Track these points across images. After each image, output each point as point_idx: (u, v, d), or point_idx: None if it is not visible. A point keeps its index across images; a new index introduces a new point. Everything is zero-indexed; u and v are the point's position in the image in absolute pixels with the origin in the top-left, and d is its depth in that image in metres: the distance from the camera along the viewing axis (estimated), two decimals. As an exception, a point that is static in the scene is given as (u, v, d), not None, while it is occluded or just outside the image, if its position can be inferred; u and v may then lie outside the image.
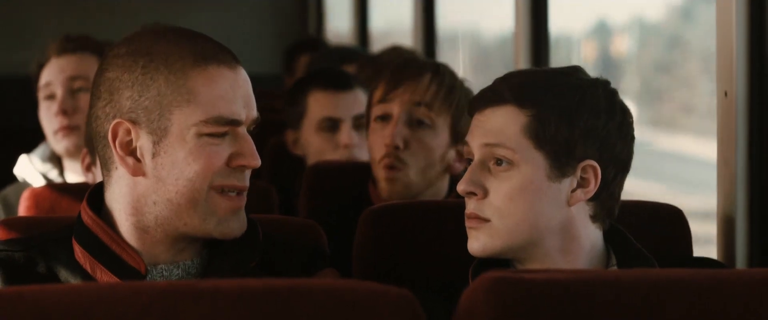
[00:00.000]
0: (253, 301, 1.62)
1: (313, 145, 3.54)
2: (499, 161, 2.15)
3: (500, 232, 2.14)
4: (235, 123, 2.06)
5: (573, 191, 2.15)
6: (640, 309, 1.72)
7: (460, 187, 2.17)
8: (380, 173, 3.03)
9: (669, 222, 2.41)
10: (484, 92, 2.21)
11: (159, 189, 2.05)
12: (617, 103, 2.18)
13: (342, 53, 4.96)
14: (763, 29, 2.45)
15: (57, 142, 3.44)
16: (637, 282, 1.75)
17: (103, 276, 2.07)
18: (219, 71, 2.06)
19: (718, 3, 2.51)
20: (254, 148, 2.08)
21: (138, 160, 2.06)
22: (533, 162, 2.14)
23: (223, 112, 2.05)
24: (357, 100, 3.50)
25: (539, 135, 2.13)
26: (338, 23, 7.36)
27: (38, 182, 3.41)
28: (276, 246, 2.18)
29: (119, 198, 2.09)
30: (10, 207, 3.32)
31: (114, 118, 2.06)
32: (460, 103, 3.00)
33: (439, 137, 3.01)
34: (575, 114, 2.13)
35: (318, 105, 3.53)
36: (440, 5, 5.13)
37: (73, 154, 3.41)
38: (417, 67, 3.06)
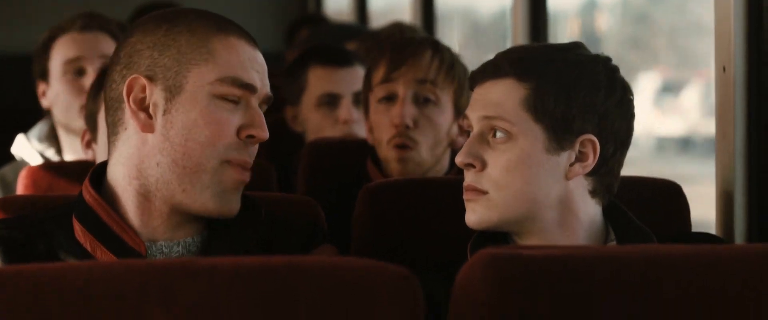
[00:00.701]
0: (251, 278, 1.62)
1: (312, 121, 3.53)
2: (497, 133, 2.15)
3: (497, 204, 2.14)
4: (249, 88, 2.07)
5: (571, 165, 2.14)
6: (639, 284, 1.71)
7: (458, 159, 2.17)
8: (390, 154, 3.01)
9: (667, 197, 2.41)
10: (485, 65, 2.21)
11: (165, 148, 2.05)
12: (618, 80, 2.17)
13: (342, 30, 4.93)
14: (761, 4, 2.45)
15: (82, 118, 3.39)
16: (636, 258, 1.75)
17: (104, 256, 2.06)
18: (239, 42, 2.09)
19: (717, -21, 2.50)
20: (264, 121, 2.09)
21: (149, 117, 2.06)
22: (531, 135, 2.14)
23: (240, 74, 2.07)
24: (357, 75, 3.49)
25: (538, 108, 2.13)
26: (337, 0, 7.34)
27: (36, 161, 3.40)
28: (274, 223, 2.18)
29: (125, 161, 2.08)
30: (8, 186, 3.31)
31: (131, 75, 2.07)
32: (461, 78, 3.00)
33: (445, 113, 3.01)
34: (574, 88, 2.13)
35: (318, 80, 3.53)
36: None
37: None
38: (416, 45, 3.05)
